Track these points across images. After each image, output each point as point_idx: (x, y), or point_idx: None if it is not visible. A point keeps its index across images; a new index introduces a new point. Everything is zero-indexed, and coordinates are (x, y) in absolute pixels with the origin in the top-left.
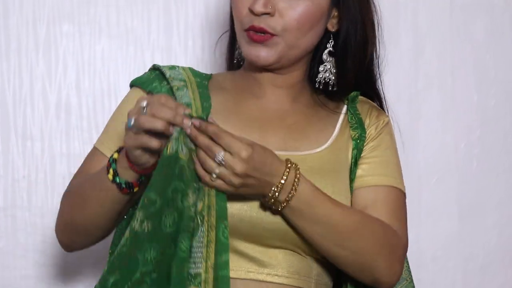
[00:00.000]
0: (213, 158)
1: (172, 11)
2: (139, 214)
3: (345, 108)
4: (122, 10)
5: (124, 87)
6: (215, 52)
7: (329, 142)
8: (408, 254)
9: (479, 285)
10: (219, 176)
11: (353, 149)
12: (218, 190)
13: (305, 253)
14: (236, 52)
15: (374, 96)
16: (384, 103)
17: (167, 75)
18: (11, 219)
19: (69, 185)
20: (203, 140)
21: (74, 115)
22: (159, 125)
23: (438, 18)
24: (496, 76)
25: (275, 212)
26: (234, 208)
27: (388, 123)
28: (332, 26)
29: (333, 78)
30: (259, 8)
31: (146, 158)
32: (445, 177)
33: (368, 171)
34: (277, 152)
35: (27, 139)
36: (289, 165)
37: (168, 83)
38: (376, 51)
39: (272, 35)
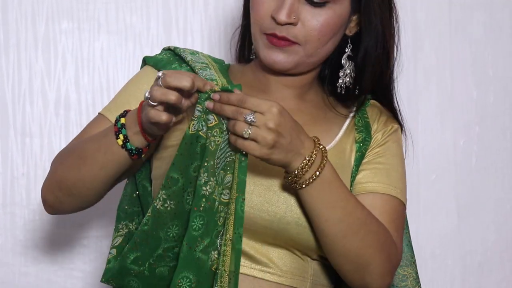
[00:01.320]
0: (243, 120)
1: (171, 7)
2: (161, 194)
3: (354, 110)
4: (121, 6)
5: (123, 83)
6: (231, 44)
7: (332, 144)
8: None
9: (478, 282)
10: (252, 137)
11: (356, 152)
12: (252, 154)
13: (300, 253)
14: (253, 46)
15: (390, 109)
16: (399, 114)
17: (188, 58)
18: (10, 216)
19: (66, 146)
20: (229, 108)
21: (73, 111)
22: (172, 97)
23: (437, 15)
24: (495, 73)
25: (292, 191)
26: None
27: (396, 130)
28: (349, 30)
29: (351, 82)
30: (283, 17)
31: (156, 130)
32: (444, 174)
33: (369, 178)
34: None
35: (26, 136)
36: (318, 144)
37: (189, 65)
38: (395, 62)
39: (293, 43)
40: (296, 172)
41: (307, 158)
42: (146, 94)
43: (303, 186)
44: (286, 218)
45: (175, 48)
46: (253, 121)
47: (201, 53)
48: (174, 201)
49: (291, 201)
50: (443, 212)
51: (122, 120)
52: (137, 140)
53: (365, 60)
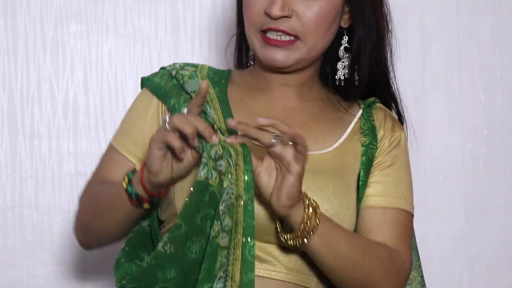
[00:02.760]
0: (272, 138)
1: (179, 10)
2: (165, 237)
3: (360, 112)
4: (129, 9)
5: (132, 85)
6: (226, 52)
7: (336, 145)
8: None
9: (486, 285)
10: (286, 141)
11: (362, 155)
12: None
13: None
14: (250, 53)
15: (390, 98)
16: (400, 105)
17: (186, 88)
18: (19, 218)
19: (87, 185)
20: (252, 129)
21: (81, 114)
22: (188, 128)
23: (445, 18)
24: (503, 75)
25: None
26: None
27: (404, 138)
28: (344, 22)
29: (349, 73)
30: (276, 11)
31: (162, 164)
32: (451, 177)
33: (379, 191)
34: None
35: (35, 138)
36: (307, 205)
37: (187, 93)
38: (389, 48)
39: (295, 38)
40: (293, 236)
41: (302, 225)
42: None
43: (303, 242)
44: None
45: (173, 69)
46: (277, 138)
47: (201, 67)
48: (174, 245)
49: None
50: (451, 215)
51: (137, 167)
52: (138, 187)
53: (359, 49)
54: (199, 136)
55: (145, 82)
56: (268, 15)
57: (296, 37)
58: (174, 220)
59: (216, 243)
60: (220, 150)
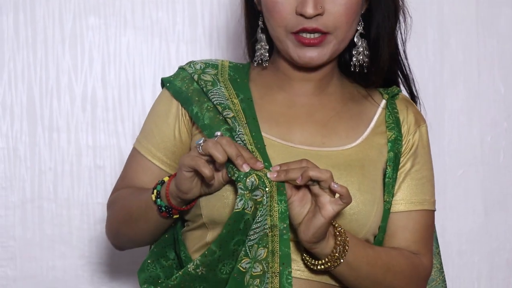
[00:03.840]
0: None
1: (197, 3)
2: (197, 259)
3: (383, 103)
4: (147, 2)
5: (150, 79)
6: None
7: (359, 140)
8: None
9: (505, 279)
10: (323, 185)
11: (388, 151)
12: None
13: None
14: (257, 53)
15: (403, 78)
16: (413, 84)
17: (207, 90)
18: (38, 211)
19: (115, 190)
20: (293, 171)
21: (100, 107)
22: (221, 156)
23: (464, 10)
24: None
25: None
26: None
27: (426, 131)
28: (362, 8)
29: (367, 60)
30: (310, 11)
31: (191, 184)
32: (471, 170)
33: (404, 196)
34: (302, 147)
35: (54, 131)
36: (337, 233)
37: (209, 99)
38: (405, 28)
39: (325, 34)
40: (318, 263)
41: (329, 257)
42: (200, 141)
43: (330, 268)
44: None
45: (194, 72)
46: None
47: (221, 68)
48: (206, 268)
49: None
50: (470, 209)
51: (166, 178)
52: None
53: (378, 34)
54: (232, 162)
55: (167, 85)
56: (301, 15)
57: (327, 32)
58: (198, 220)
59: (250, 274)
60: (256, 181)
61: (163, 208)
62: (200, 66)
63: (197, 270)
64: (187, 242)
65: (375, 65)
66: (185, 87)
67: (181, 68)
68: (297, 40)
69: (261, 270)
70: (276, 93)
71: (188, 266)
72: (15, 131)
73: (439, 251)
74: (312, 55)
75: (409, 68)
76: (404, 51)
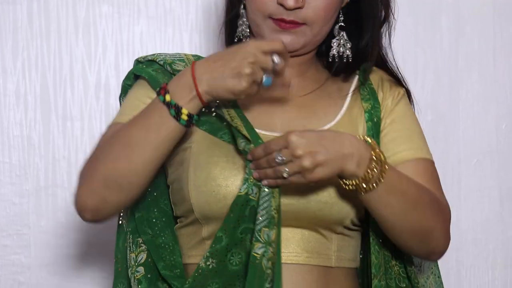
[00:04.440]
0: (276, 164)
1: None
2: (207, 252)
3: (356, 78)
4: None
5: None
6: (219, 38)
7: (338, 118)
8: None
9: None
10: (292, 173)
11: (366, 121)
12: (303, 184)
13: (323, 229)
14: (239, 29)
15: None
16: (401, 77)
17: (169, 68)
18: (52, 199)
19: (94, 151)
20: (262, 161)
21: (113, 95)
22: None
23: None
24: None
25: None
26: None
27: (404, 94)
28: (342, 2)
29: (348, 51)
30: (291, 3)
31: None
32: (485, 159)
33: (394, 149)
34: (282, 133)
35: (67, 119)
36: (377, 151)
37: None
38: (389, 25)
39: (300, 24)
40: (358, 182)
41: (372, 163)
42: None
43: (367, 191)
44: (305, 197)
45: (165, 63)
46: (284, 159)
47: (186, 57)
48: (216, 260)
49: None
50: (485, 197)
51: (167, 97)
52: (195, 108)
53: (363, 27)
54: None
55: (142, 73)
56: (282, 5)
57: (303, 24)
58: (190, 216)
59: (253, 256)
60: None
61: (195, 120)
62: (163, 62)
63: (208, 263)
64: (182, 239)
65: (349, 57)
66: (160, 77)
67: (150, 61)
68: (274, 24)
69: (272, 252)
70: None
71: (200, 262)
72: (29, 120)
73: None
74: (285, 40)
75: (397, 65)
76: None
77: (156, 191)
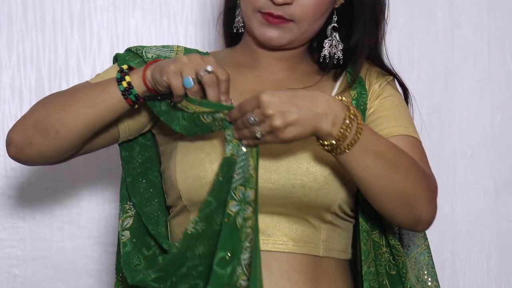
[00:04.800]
0: (250, 124)
1: None
2: (194, 217)
3: (344, 72)
4: None
5: None
6: (216, 28)
7: None
8: (442, 227)
9: None
10: (265, 133)
11: None
12: (276, 143)
13: (311, 217)
14: (236, 19)
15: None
16: (397, 75)
17: (149, 56)
18: (47, 192)
19: (47, 96)
20: (238, 122)
21: None
22: (214, 96)
23: None
24: None
25: (291, 155)
26: None
27: (392, 80)
28: (336, 3)
29: (339, 53)
30: None
31: (167, 89)
32: (480, 151)
33: (380, 126)
34: None
35: None
36: (348, 106)
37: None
38: (383, 28)
39: (288, 20)
40: (333, 142)
41: (347, 122)
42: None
43: (343, 152)
44: (289, 183)
45: (137, 46)
46: (256, 120)
47: (176, 53)
48: (205, 223)
49: (292, 165)
50: (480, 189)
51: (125, 66)
52: (138, 86)
53: (358, 36)
54: (216, 112)
55: (122, 63)
56: (271, 0)
57: (291, 20)
58: (179, 203)
59: (228, 213)
60: None
61: (132, 96)
62: (152, 56)
63: (197, 227)
64: (173, 230)
65: (340, 59)
66: (128, 58)
67: (134, 53)
68: (262, 18)
69: (251, 211)
70: (247, 72)
71: (187, 228)
72: (24, 113)
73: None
74: (272, 35)
75: (390, 63)
76: (384, 49)
77: (146, 162)
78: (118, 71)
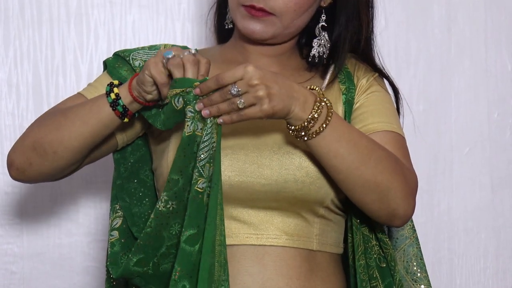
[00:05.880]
0: (231, 96)
1: None
2: (163, 196)
3: (333, 65)
4: None
5: None
6: (207, 23)
7: None
8: (439, 224)
9: None
10: (248, 104)
11: (343, 103)
12: (258, 117)
13: (304, 211)
14: (227, 15)
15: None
16: (389, 76)
17: (136, 64)
18: (44, 188)
19: (43, 114)
20: (215, 95)
21: None
22: (178, 75)
23: None
24: None
25: (282, 150)
26: (224, 176)
27: (378, 76)
28: (324, 2)
29: (327, 52)
30: None
31: (151, 88)
32: (477, 147)
33: (364, 121)
34: (261, 122)
35: None
36: (319, 93)
37: (135, 71)
38: (371, 27)
39: (270, 13)
40: (305, 124)
41: (316, 106)
42: (169, 55)
43: (313, 137)
44: (282, 178)
45: (125, 51)
46: (239, 91)
47: (162, 46)
48: (176, 201)
49: (284, 160)
50: (476, 186)
51: (115, 81)
52: (125, 97)
53: (340, 31)
54: (187, 92)
55: (110, 70)
56: None
57: (272, 14)
58: None
59: (196, 190)
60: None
61: (121, 108)
62: (139, 64)
63: (168, 206)
64: None
65: (334, 56)
66: (116, 64)
67: (122, 58)
68: (245, 11)
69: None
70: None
71: (157, 206)
72: (21, 109)
73: (412, 220)
74: (254, 28)
75: (383, 65)
76: (377, 51)
77: (138, 162)
78: (108, 85)
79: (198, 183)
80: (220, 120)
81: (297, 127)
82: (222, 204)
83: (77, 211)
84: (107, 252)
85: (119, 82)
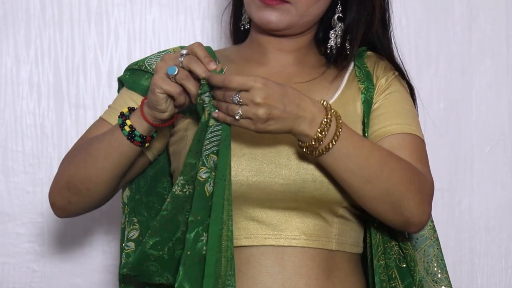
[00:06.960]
0: (231, 102)
1: None
2: (179, 179)
3: (352, 63)
4: None
5: None
6: (222, 20)
7: (335, 96)
8: (460, 223)
9: None
10: (244, 116)
11: (362, 102)
12: (250, 130)
13: (323, 211)
14: (243, 16)
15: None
16: (405, 73)
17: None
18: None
19: (72, 147)
20: (218, 91)
21: None
22: (192, 88)
23: None
24: None
25: (300, 149)
26: (242, 176)
27: (398, 76)
28: None
29: (346, 43)
30: None
31: (167, 104)
32: (498, 146)
33: (382, 123)
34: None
35: (80, 108)
36: (330, 108)
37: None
38: (388, 19)
39: (284, 1)
40: (312, 143)
41: (323, 124)
42: (174, 72)
43: (322, 153)
44: (300, 177)
45: (136, 63)
46: (240, 102)
47: (172, 49)
48: (192, 185)
49: (302, 160)
50: (498, 185)
51: (125, 110)
52: (140, 125)
53: (352, 21)
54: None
55: (130, 86)
56: None
57: (287, 1)
58: None
59: (198, 179)
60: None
61: (138, 138)
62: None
63: (184, 190)
64: None
65: (347, 49)
66: (132, 79)
67: (140, 70)
68: (259, 1)
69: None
70: (254, 67)
71: (174, 190)
72: (42, 109)
73: (432, 220)
74: (269, 17)
75: (399, 56)
76: (395, 42)
77: (157, 174)
78: (118, 117)
79: (200, 171)
80: (215, 115)
81: (306, 144)
82: (231, 200)
83: (99, 209)
84: (120, 261)
85: (128, 109)
